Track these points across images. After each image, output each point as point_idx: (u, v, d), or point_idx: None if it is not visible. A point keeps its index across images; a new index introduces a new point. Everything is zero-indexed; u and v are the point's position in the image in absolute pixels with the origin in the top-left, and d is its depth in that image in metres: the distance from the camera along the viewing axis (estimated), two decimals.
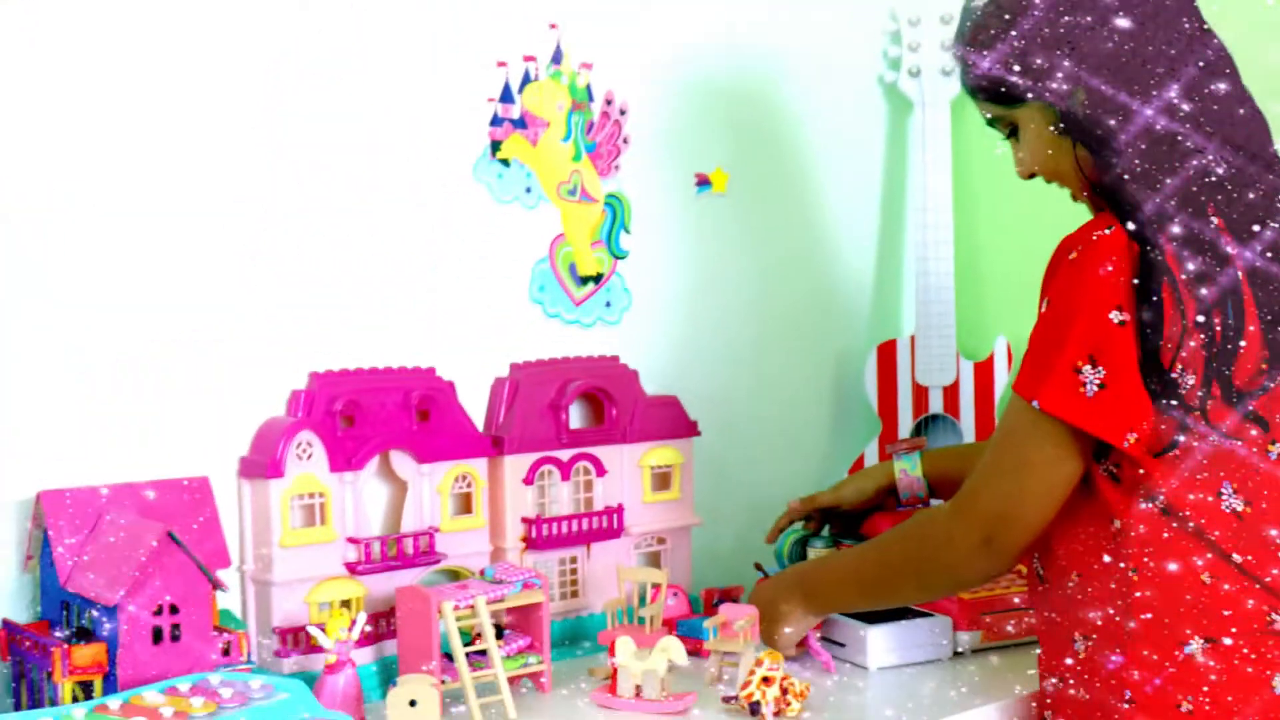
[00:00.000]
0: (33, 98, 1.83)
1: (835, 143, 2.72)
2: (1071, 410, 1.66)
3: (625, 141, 2.37)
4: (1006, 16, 1.75)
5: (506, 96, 2.22)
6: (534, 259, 2.29)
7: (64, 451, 1.86)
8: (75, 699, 1.68)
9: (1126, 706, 1.70)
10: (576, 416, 2.30)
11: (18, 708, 1.79)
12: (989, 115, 1.86)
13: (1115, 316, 1.64)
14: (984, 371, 2.65)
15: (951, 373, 2.65)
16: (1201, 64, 1.71)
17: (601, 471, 2.26)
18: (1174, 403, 1.64)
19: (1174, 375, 1.64)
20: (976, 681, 2.01)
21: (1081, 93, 1.72)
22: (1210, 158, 1.69)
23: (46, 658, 1.69)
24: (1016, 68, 1.75)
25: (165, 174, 1.93)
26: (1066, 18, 1.72)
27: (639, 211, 2.41)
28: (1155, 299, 1.63)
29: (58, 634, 1.75)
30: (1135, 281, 1.64)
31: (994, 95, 1.80)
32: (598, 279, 2.36)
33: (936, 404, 2.66)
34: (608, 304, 2.38)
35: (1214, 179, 1.69)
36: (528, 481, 2.19)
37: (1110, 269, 1.65)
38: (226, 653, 1.76)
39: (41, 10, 1.82)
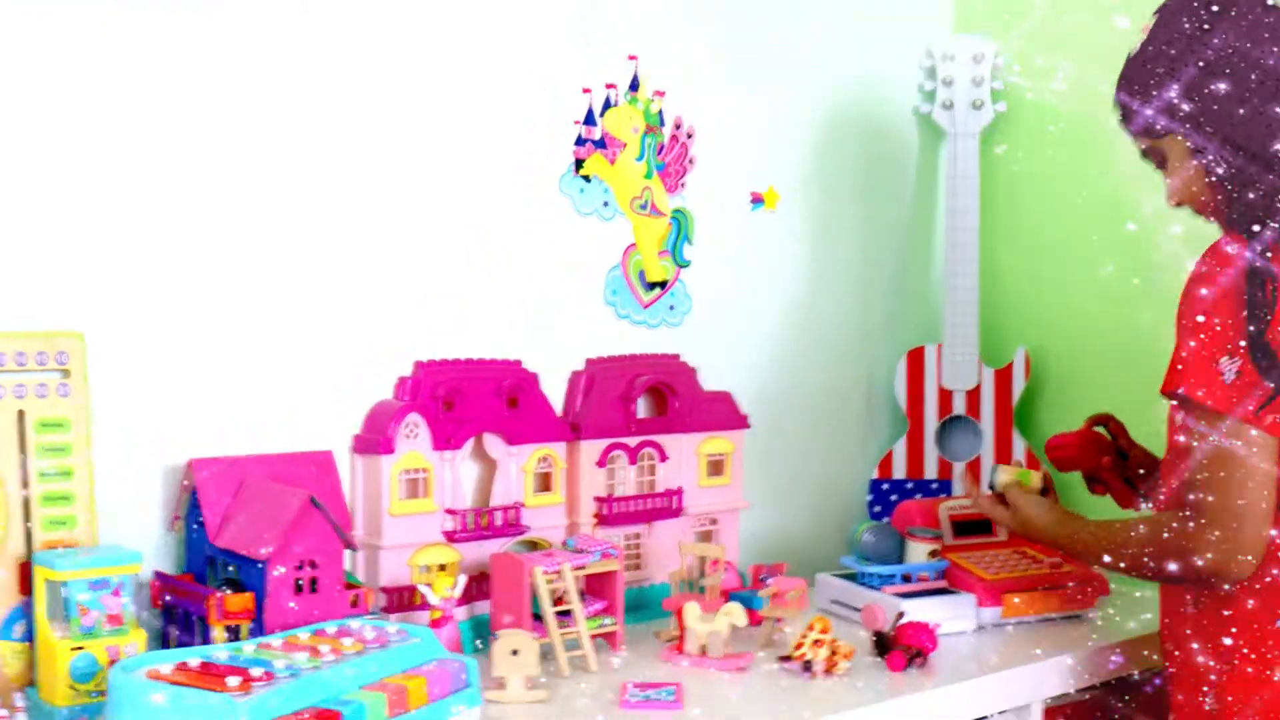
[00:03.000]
0: (175, 108, 2.08)
1: (874, 167, 2.97)
2: (1213, 396, 1.86)
3: (691, 162, 2.62)
4: (1149, 65, 1.98)
5: (589, 120, 2.48)
6: (608, 266, 2.54)
7: (203, 426, 2.11)
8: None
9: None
10: (642, 407, 2.54)
11: (166, 647, 2.03)
12: (1140, 147, 2.05)
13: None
14: (1003, 377, 2.88)
15: (974, 378, 2.89)
16: None
17: (664, 457, 2.51)
18: None
19: None
20: (1001, 648, 2.28)
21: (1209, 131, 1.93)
22: None
23: (201, 605, 1.93)
24: (1156, 106, 1.96)
25: (298, 189, 2.18)
26: (1192, 67, 1.93)
27: (701, 225, 2.66)
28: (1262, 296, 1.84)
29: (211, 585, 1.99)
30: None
31: (1139, 131, 2.01)
32: (663, 285, 2.61)
33: (960, 406, 2.90)
34: (671, 307, 2.62)
35: None
36: (600, 464, 2.44)
37: (1229, 277, 1.87)
38: (354, 604, 2.01)
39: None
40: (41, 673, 1.85)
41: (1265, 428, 1.86)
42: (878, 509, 2.87)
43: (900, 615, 2.23)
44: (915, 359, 2.92)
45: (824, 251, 2.89)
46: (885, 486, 2.88)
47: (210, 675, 1.63)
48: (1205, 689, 1.95)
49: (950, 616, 2.34)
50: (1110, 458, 2.34)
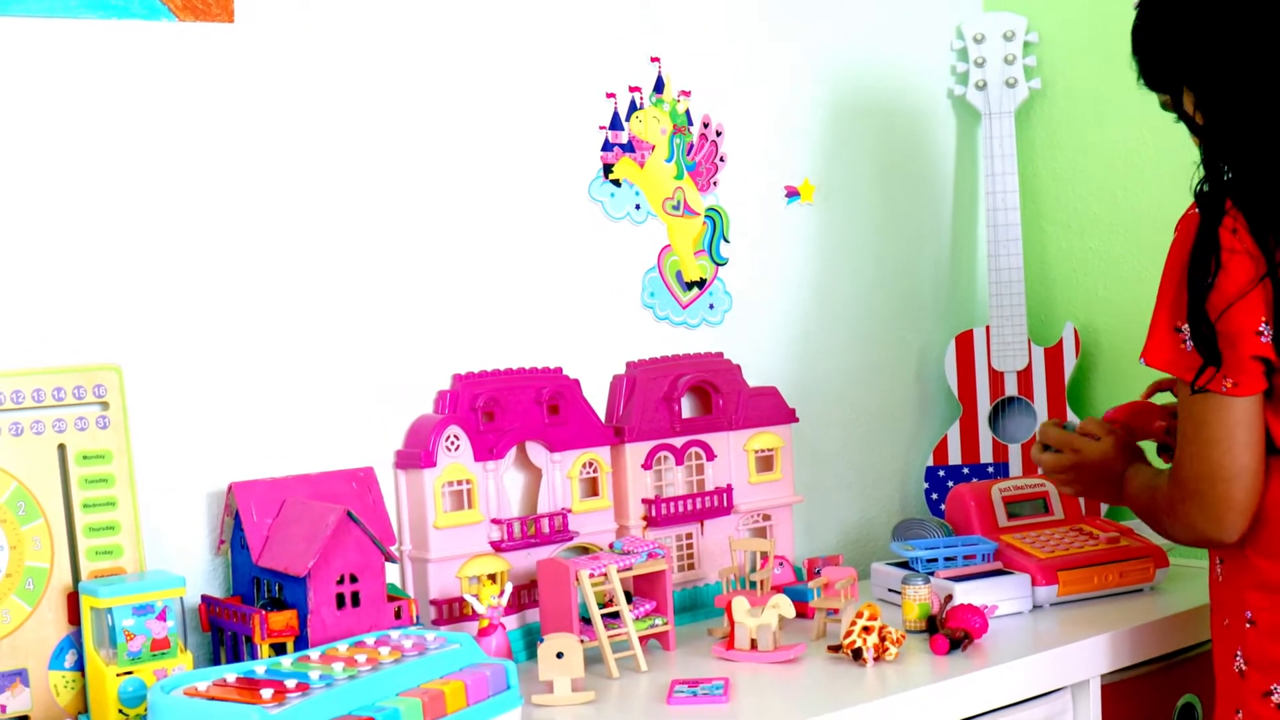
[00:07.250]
0: (217, 125, 2.11)
1: (910, 153, 2.95)
2: (1173, 364, 1.86)
3: (722, 160, 2.62)
4: (1151, 18, 1.94)
5: (616, 124, 2.48)
6: (644, 268, 2.54)
7: (244, 450, 2.13)
8: None
9: (1249, 626, 1.90)
10: (687, 407, 2.54)
11: None
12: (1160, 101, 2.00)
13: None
14: (1054, 355, 2.85)
15: (1024, 358, 2.86)
16: None
17: (711, 456, 2.51)
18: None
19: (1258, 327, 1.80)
20: (1057, 626, 2.25)
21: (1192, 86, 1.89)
22: None
23: (246, 624, 1.96)
24: (1157, 61, 1.93)
25: (329, 210, 2.20)
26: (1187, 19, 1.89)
27: (736, 222, 2.65)
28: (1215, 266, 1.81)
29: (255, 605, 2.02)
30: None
31: (1150, 83, 1.96)
32: (701, 284, 2.61)
33: (1011, 387, 2.87)
34: (711, 306, 2.62)
35: None
36: (646, 466, 2.44)
37: (1185, 245, 1.85)
38: (398, 616, 2.02)
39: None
40: (92, 699, 1.87)
41: (1228, 391, 1.82)
42: (934, 496, 2.84)
43: (949, 598, 2.21)
44: (964, 342, 2.89)
45: (864, 240, 2.88)
46: (941, 473, 2.85)
47: (245, 689, 1.64)
48: (1237, 651, 1.92)
49: (1005, 597, 2.32)
50: (1166, 423, 2.30)
